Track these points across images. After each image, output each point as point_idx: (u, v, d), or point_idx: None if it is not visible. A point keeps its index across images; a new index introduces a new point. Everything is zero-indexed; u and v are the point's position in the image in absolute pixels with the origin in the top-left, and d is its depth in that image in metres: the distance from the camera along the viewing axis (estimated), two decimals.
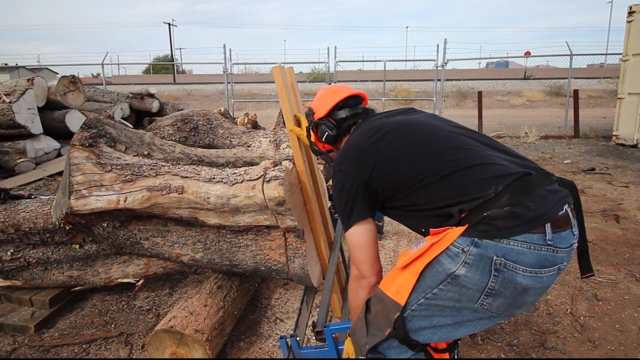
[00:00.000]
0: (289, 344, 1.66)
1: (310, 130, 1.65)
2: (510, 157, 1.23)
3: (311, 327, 1.73)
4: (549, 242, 1.04)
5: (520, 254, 1.03)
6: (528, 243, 1.03)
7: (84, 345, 2.15)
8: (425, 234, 1.23)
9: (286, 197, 1.73)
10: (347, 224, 1.34)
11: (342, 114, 1.53)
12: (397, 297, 1.14)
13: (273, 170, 1.81)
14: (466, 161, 1.18)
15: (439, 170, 1.19)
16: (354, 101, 1.57)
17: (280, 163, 1.91)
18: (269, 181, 1.76)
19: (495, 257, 1.03)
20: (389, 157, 1.29)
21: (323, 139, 1.57)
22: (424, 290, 1.11)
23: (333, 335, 1.56)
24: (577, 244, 1.15)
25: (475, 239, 1.05)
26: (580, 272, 1.23)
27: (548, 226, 1.04)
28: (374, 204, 1.34)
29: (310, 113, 1.62)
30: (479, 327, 1.15)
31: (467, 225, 1.07)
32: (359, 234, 1.32)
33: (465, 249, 1.05)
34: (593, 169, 5.88)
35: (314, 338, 1.77)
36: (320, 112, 1.57)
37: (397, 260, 1.41)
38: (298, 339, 1.66)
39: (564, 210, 1.09)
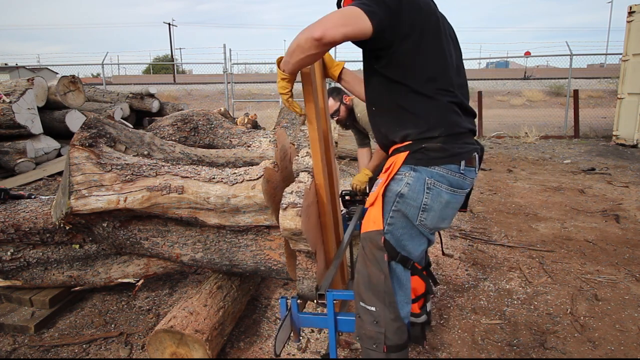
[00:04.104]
0: (289, 305, 1.66)
1: None
2: (470, 114, 1.52)
3: (314, 290, 1.72)
4: (461, 171, 1.43)
5: (442, 177, 1.41)
6: (448, 170, 1.41)
7: (84, 345, 2.15)
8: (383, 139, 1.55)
9: (303, 229, 1.60)
10: None
11: None
12: (375, 225, 1.43)
13: (291, 193, 1.64)
14: (450, 98, 1.43)
15: (436, 89, 1.41)
16: None
17: (298, 174, 1.78)
18: (285, 208, 1.60)
19: (427, 178, 1.40)
20: (430, 35, 1.39)
21: None
22: (387, 213, 1.43)
23: (334, 301, 1.62)
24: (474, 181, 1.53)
25: (413, 165, 1.41)
26: (462, 206, 1.56)
27: (463, 162, 1.43)
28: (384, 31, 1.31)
29: None
30: (421, 248, 1.49)
31: (407, 152, 1.42)
32: (353, 14, 1.25)
33: (406, 174, 1.41)
34: (593, 169, 5.88)
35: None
36: None
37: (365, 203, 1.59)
38: (299, 301, 1.66)
39: (474, 155, 1.48)
